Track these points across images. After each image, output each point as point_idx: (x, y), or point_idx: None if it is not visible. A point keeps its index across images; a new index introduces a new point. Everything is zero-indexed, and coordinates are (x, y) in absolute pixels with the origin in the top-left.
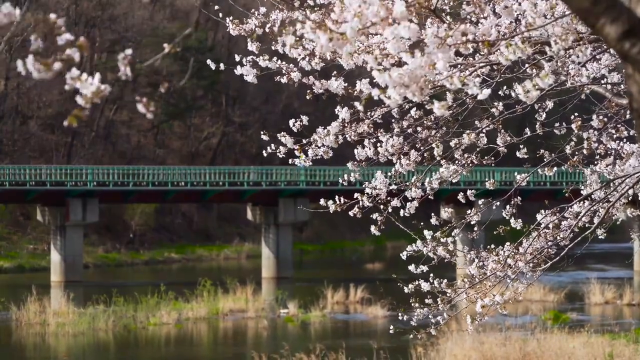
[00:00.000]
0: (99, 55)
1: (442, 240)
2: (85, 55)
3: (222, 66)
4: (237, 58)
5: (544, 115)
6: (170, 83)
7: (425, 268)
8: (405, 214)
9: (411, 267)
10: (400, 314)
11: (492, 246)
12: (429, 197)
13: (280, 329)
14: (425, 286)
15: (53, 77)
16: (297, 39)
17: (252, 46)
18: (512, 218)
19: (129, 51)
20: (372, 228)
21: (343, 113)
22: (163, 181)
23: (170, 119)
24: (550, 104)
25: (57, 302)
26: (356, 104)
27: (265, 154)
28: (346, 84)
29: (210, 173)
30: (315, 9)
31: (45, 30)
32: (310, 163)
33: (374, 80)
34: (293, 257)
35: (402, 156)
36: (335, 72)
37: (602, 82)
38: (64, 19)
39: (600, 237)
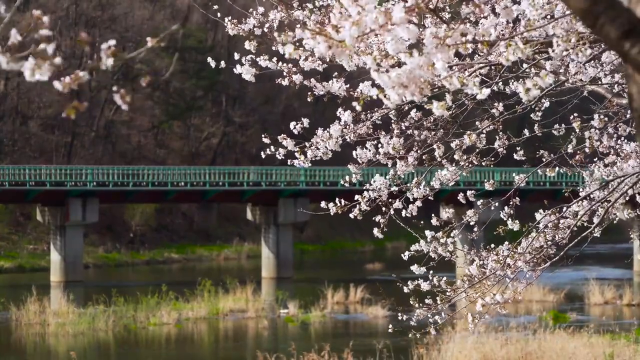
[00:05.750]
0: (99, 56)
1: (442, 241)
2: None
3: (222, 64)
4: (237, 56)
5: (539, 115)
6: (170, 83)
7: (423, 269)
8: (407, 214)
9: (413, 268)
10: (400, 314)
11: (492, 245)
12: (429, 197)
13: (280, 329)
14: (424, 286)
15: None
16: (296, 44)
17: (249, 45)
18: (510, 219)
19: (112, 42)
20: (375, 231)
21: (345, 116)
22: (163, 181)
23: (170, 119)
24: (546, 103)
25: (57, 302)
26: (354, 104)
27: (263, 156)
28: (347, 85)
29: (210, 173)
30: (315, 10)
31: (31, 24)
32: (310, 164)
33: (376, 82)
34: (293, 257)
35: (399, 160)
36: (336, 72)
37: (602, 82)
38: (48, 17)
39: (596, 234)
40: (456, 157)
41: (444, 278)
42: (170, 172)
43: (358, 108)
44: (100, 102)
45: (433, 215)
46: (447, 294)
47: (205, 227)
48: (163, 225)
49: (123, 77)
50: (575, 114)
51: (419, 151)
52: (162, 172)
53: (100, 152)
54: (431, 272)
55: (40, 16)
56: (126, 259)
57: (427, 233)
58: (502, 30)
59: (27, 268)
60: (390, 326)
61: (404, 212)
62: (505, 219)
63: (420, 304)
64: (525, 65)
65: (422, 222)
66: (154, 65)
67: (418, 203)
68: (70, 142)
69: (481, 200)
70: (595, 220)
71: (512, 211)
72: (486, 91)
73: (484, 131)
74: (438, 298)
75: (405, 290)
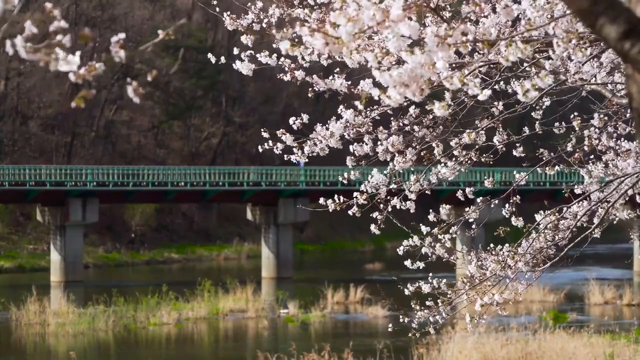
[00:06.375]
0: (99, 55)
1: (439, 237)
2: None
3: (222, 59)
4: (236, 51)
5: (540, 112)
6: (170, 83)
7: (422, 264)
8: (402, 207)
9: (407, 263)
10: (401, 317)
11: (492, 245)
12: (426, 192)
13: (280, 329)
14: (425, 288)
15: (41, 60)
16: (294, 42)
17: (247, 39)
18: (513, 216)
19: (122, 35)
20: (372, 227)
21: (347, 114)
22: (163, 181)
23: (170, 119)
24: (547, 102)
25: (57, 302)
26: (356, 102)
27: (261, 150)
28: (349, 82)
29: (210, 173)
30: (315, 7)
31: (42, 18)
32: (307, 160)
33: (377, 80)
34: (293, 257)
35: (397, 154)
36: (337, 69)
37: (601, 81)
38: (59, 9)
39: (595, 235)
40: (455, 153)
41: (444, 280)
42: (170, 172)
43: (360, 107)
44: (100, 102)
45: (431, 210)
46: (448, 296)
47: (205, 227)
48: (163, 225)
49: (123, 76)
50: (576, 113)
51: (417, 147)
52: (162, 172)
53: (100, 152)
54: (430, 274)
55: (51, 9)
56: (126, 259)
57: (423, 228)
58: (501, 29)
59: (27, 268)
60: (390, 325)
61: (398, 205)
62: (507, 216)
63: (422, 307)
64: (525, 64)
65: (421, 223)
66: (154, 65)
67: (412, 196)
68: (70, 142)
69: (481, 198)
70: (596, 220)
71: (513, 208)
72: (487, 92)
73: (484, 129)
74: (439, 300)
75: (407, 292)
